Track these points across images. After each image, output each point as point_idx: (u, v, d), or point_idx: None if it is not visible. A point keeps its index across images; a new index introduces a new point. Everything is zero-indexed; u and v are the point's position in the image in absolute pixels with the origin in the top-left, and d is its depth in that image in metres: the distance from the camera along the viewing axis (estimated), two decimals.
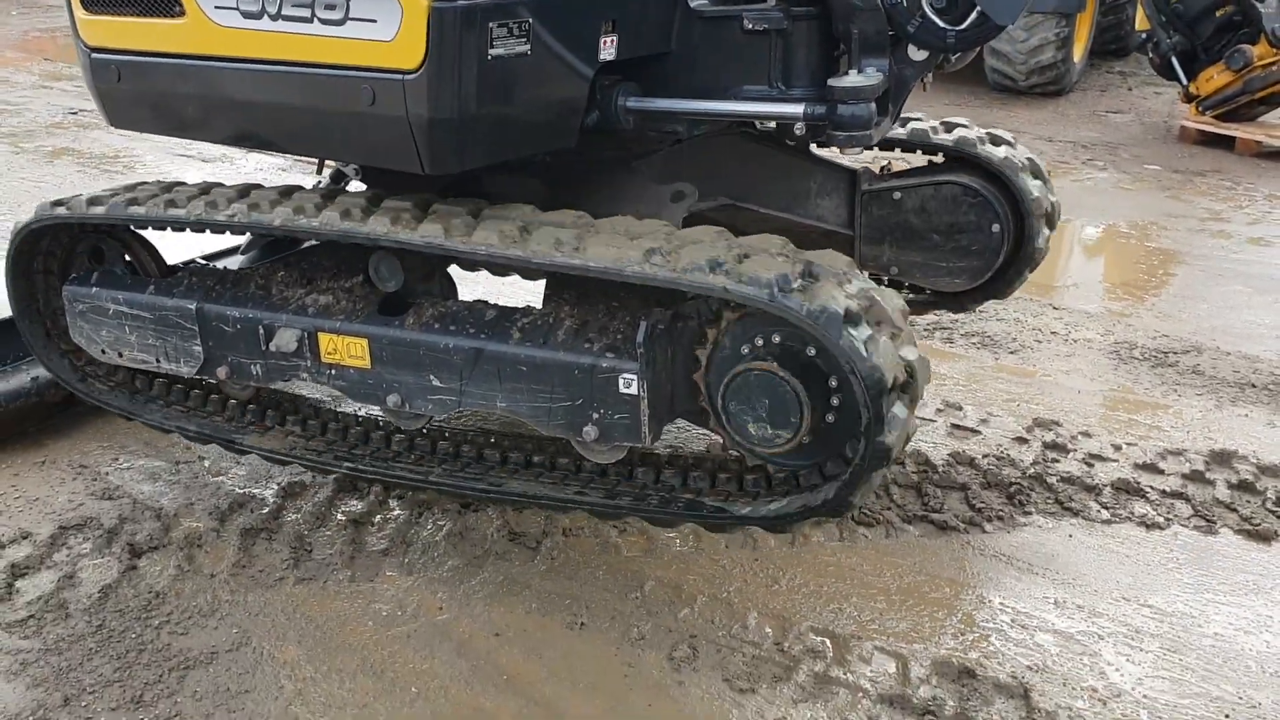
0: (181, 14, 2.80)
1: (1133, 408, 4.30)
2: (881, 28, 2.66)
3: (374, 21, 2.49)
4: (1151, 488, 3.67)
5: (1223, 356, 4.81)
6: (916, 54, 2.71)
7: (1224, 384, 4.53)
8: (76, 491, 3.54)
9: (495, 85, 2.53)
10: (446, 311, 2.86)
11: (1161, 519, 3.51)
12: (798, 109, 2.67)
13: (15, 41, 12.69)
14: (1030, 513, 3.53)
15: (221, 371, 3.10)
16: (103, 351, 3.27)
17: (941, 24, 2.65)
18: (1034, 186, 3.62)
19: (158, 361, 3.18)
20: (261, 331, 3.00)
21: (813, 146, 3.71)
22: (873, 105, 2.61)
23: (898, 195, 3.69)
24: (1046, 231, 3.70)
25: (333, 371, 2.96)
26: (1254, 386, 4.50)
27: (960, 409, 4.21)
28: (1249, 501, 3.62)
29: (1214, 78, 8.65)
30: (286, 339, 2.96)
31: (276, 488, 3.55)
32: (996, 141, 3.70)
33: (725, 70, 2.87)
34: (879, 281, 3.94)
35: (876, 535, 3.39)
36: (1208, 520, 3.50)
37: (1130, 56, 12.21)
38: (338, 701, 2.68)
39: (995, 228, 3.59)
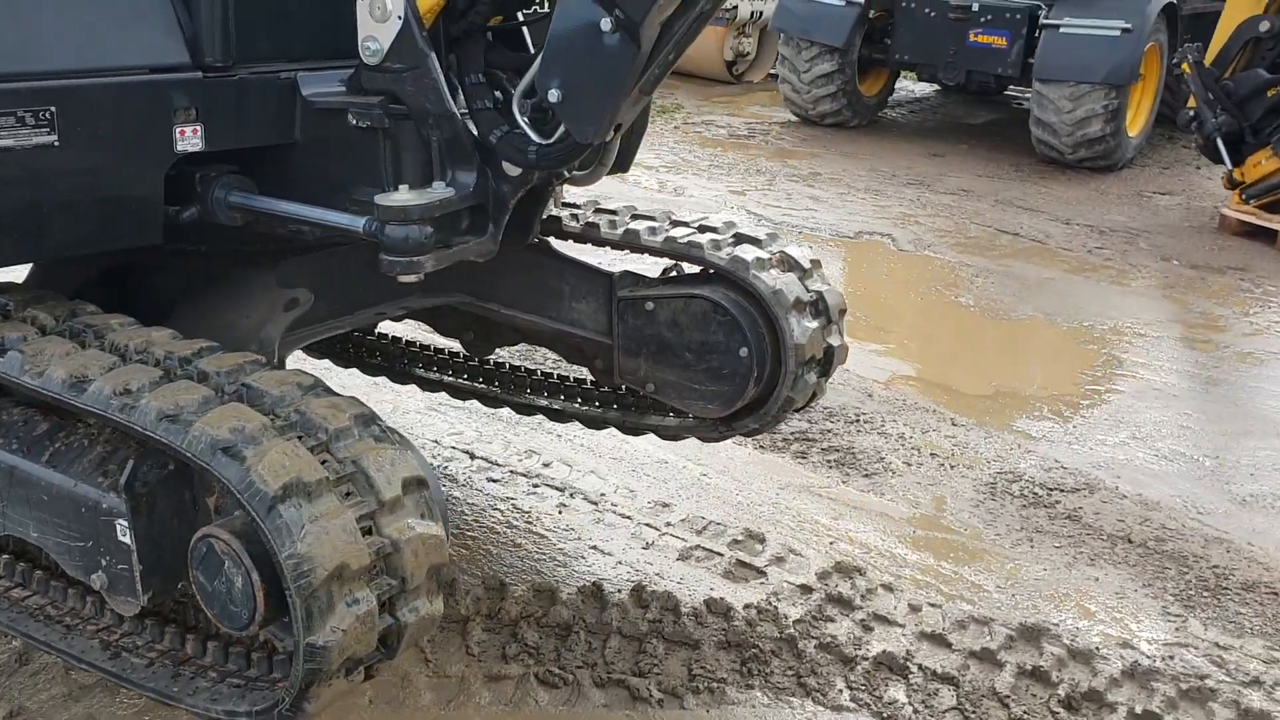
0: None
1: (964, 558, 3.73)
2: (458, 135, 2.27)
3: None
4: (921, 667, 3.13)
5: (1116, 500, 4.18)
6: (511, 168, 2.30)
7: (1096, 536, 3.91)
8: None
9: (10, 179, 2.24)
10: None
11: (910, 711, 2.97)
12: (358, 222, 2.30)
13: None
14: (752, 687, 3.03)
15: None
16: None
17: (532, 135, 2.24)
18: (801, 328, 3.10)
19: None
20: None
21: (555, 243, 3.33)
22: (427, 228, 2.21)
23: (650, 305, 3.24)
24: (812, 378, 3.17)
25: None
26: (1129, 542, 3.88)
27: (763, 541, 3.72)
28: (1032, 697, 3.05)
29: (1261, 163, 7.83)
30: None
31: None
32: (789, 266, 3.18)
33: (341, 168, 2.53)
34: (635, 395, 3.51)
35: (555, 699, 2.95)
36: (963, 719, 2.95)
37: None
38: None
39: (743, 352, 3.11)
